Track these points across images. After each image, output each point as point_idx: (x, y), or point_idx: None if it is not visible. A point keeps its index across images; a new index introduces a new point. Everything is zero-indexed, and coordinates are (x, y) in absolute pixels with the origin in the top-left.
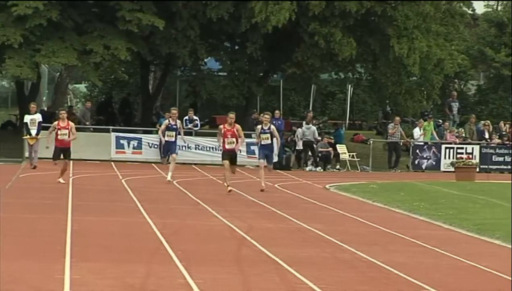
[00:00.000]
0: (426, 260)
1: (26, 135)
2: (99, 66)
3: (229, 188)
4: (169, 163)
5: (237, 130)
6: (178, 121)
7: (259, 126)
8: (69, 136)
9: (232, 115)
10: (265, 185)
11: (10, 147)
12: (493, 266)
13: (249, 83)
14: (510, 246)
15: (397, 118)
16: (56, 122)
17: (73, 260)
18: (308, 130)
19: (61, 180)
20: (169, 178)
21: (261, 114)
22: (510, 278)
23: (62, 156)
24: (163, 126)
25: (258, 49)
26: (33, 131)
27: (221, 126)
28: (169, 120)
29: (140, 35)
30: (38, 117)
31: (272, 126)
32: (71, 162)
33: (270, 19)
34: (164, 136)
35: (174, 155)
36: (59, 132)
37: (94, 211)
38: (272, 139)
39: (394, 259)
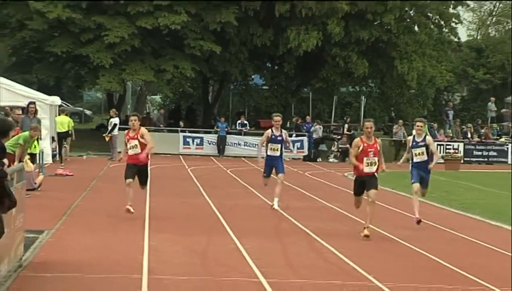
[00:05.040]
0: (423, 232)
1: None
2: (171, 82)
3: (366, 232)
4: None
5: (379, 147)
6: (284, 132)
7: (410, 138)
8: (141, 149)
9: (369, 124)
10: (419, 215)
11: (102, 143)
12: (477, 237)
13: (285, 95)
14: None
15: (400, 121)
16: (125, 132)
17: (151, 231)
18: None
19: (130, 208)
20: (276, 205)
21: (415, 123)
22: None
23: (137, 177)
24: (264, 138)
25: (293, 68)
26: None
27: (357, 140)
28: (272, 130)
29: (202, 58)
30: (113, 120)
31: (428, 137)
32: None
33: (302, 45)
34: (266, 150)
35: (281, 175)
36: (128, 144)
37: (167, 194)
38: (428, 155)
39: (401, 232)
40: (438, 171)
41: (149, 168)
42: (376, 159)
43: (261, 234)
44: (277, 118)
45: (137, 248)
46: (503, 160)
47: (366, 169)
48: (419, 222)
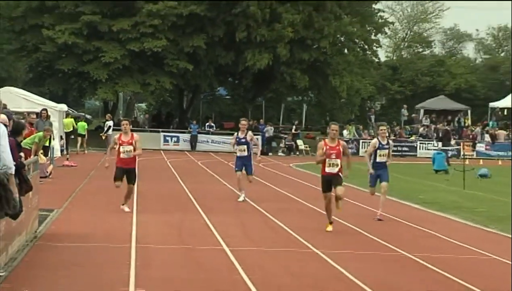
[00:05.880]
0: (351, 210)
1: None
2: (153, 93)
3: (329, 228)
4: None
5: (343, 148)
6: (250, 134)
7: (374, 141)
8: (133, 154)
9: (334, 127)
10: (381, 214)
11: (99, 141)
12: (391, 213)
13: (244, 103)
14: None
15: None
16: (117, 136)
17: (138, 209)
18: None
19: (125, 208)
20: (242, 197)
21: (378, 127)
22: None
23: (125, 178)
24: (232, 140)
25: (249, 82)
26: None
27: (322, 143)
28: (237, 133)
29: (178, 74)
30: (108, 123)
31: (391, 142)
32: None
33: (256, 64)
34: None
35: (250, 177)
36: (121, 148)
37: (151, 180)
38: (388, 157)
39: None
40: (362, 162)
41: (136, 171)
42: (338, 160)
43: (225, 212)
44: (243, 122)
45: (128, 222)
46: (413, 154)
47: (328, 169)
48: (379, 219)
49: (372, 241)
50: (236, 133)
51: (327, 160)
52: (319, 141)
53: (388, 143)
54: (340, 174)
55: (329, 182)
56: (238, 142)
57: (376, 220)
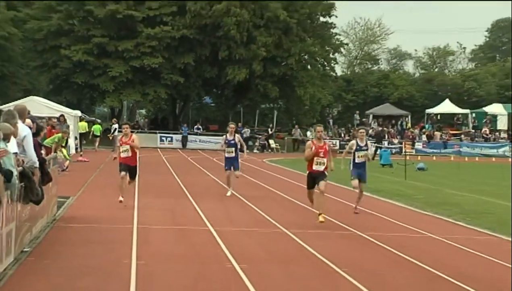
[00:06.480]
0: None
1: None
2: (152, 101)
3: (321, 219)
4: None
5: (328, 148)
6: (237, 136)
7: (353, 142)
8: (131, 152)
9: (319, 129)
10: (359, 207)
11: (107, 141)
12: (346, 199)
13: (226, 109)
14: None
15: (296, 126)
16: (119, 137)
17: (139, 196)
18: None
19: (122, 199)
20: (229, 193)
21: (357, 130)
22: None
23: (127, 175)
24: (222, 141)
25: (230, 92)
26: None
27: (309, 142)
28: (226, 136)
29: (172, 86)
30: (114, 126)
31: (369, 143)
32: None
33: (236, 77)
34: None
35: (237, 172)
36: (121, 148)
37: (150, 173)
38: (367, 158)
39: (298, 197)
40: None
41: (137, 169)
42: (325, 159)
43: (210, 199)
44: (232, 125)
45: (130, 207)
46: None
47: (315, 167)
48: (355, 213)
49: (332, 223)
50: (225, 136)
51: (315, 158)
52: (307, 141)
53: (366, 145)
54: (325, 172)
55: (314, 179)
56: (227, 144)
57: (354, 214)
